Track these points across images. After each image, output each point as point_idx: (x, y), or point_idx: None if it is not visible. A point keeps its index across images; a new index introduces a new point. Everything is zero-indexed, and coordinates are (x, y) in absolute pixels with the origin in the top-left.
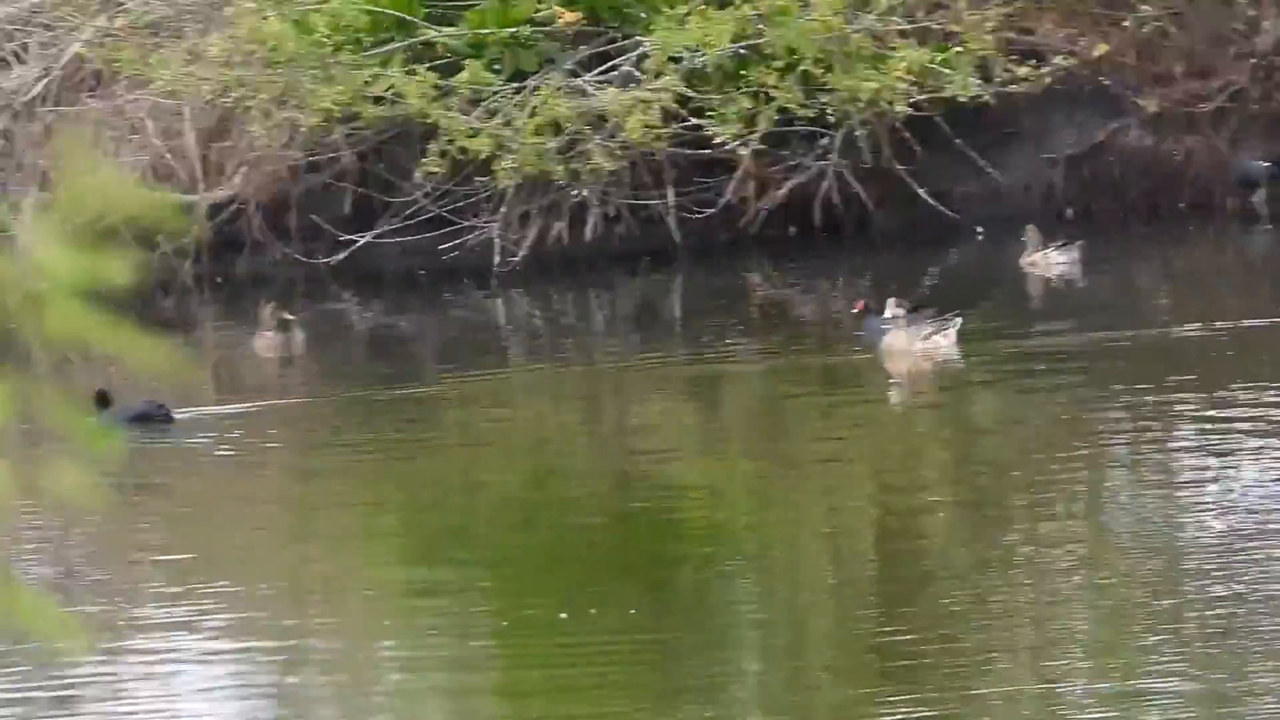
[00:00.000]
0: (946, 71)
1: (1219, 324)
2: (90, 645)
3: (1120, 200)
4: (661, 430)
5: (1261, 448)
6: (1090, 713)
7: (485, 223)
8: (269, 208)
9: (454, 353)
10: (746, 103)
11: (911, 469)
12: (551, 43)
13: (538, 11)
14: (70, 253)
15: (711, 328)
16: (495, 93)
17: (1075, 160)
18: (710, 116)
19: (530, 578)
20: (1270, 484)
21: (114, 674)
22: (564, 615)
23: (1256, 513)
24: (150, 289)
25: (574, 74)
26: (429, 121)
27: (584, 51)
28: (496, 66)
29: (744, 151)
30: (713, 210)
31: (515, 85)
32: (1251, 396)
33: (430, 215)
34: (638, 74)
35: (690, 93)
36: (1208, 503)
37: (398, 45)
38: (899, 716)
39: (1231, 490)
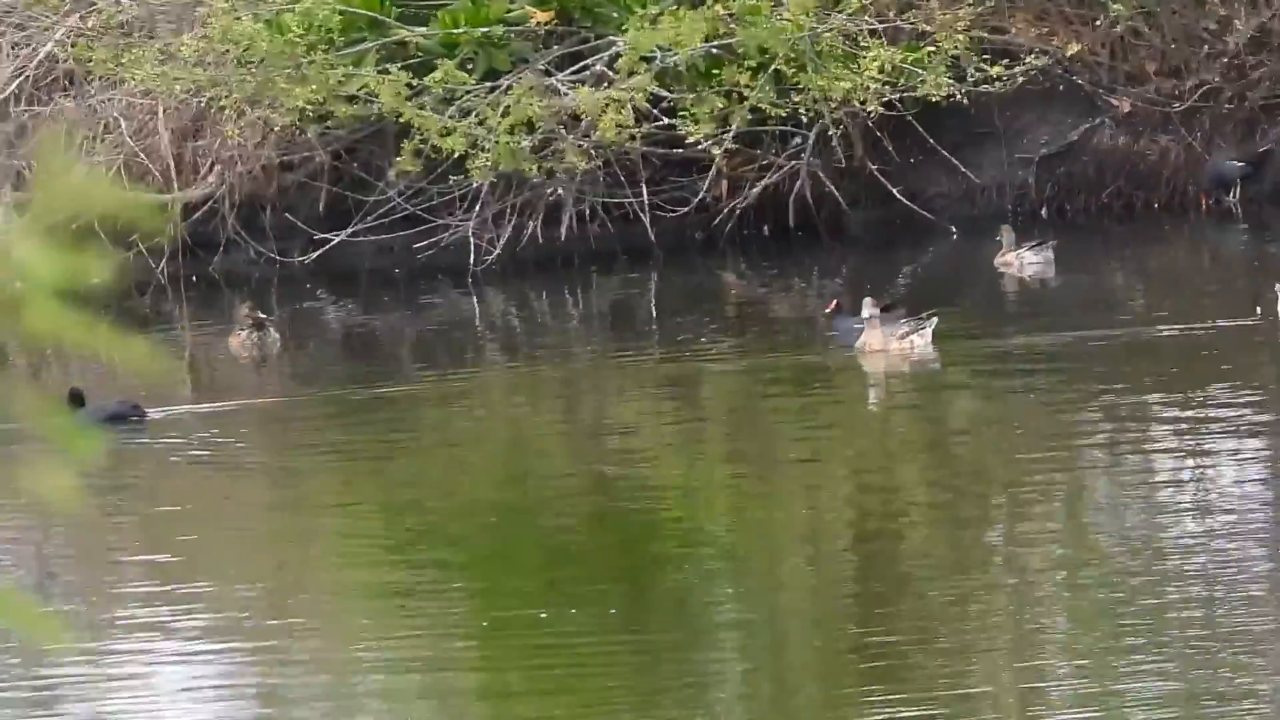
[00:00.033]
0: (919, 71)
1: (1194, 324)
2: (69, 642)
3: (1094, 199)
4: (639, 430)
5: (1238, 448)
6: (1070, 713)
7: (460, 221)
8: (243, 207)
9: (430, 352)
10: (719, 102)
11: (889, 469)
12: (524, 42)
13: (510, 11)
14: (47, 252)
15: (687, 327)
16: (468, 92)
17: (1049, 160)
18: (683, 116)
19: (509, 578)
20: (1248, 484)
21: (94, 675)
22: (544, 615)
23: (1234, 513)
24: (125, 288)
25: (547, 73)
26: (402, 120)
27: (556, 51)
28: (469, 66)
29: (717, 151)
30: (687, 209)
31: (488, 85)
32: (1228, 397)
33: (405, 214)
34: (610, 73)
35: (663, 92)
36: (1186, 503)
37: (370, 45)
38: (880, 717)
39: (1209, 491)
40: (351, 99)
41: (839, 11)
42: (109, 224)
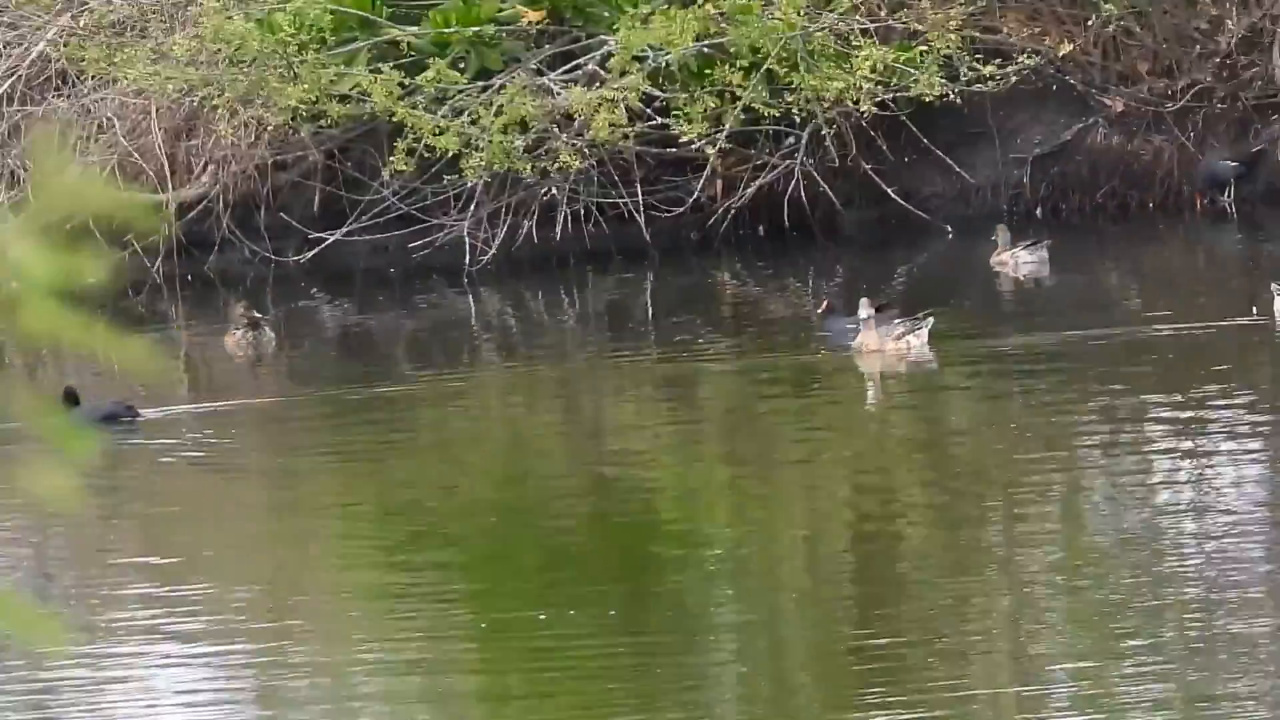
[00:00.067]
0: (912, 71)
1: (1190, 323)
2: (66, 642)
3: (1089, 199)
4: (636, 430)
5: (1236, 448)
6: (1068, 715)
7: (455, 221)
8: (238, 206)
9: (425, 352)
10: (712, 102)
11: (887, 469)
12: (516, 42)
13: (501, 10)
14: (42, 252)
15: (683, 327)
16: (460, 91)
17: (1043, 159)
18: (676, 115)
19: (508, 579)
20: (1245, 485)
21: (91, 677)
22: (542, 616)
23: (1232, 513)
24: (121, 288)
25: (539, 73)
26: (395, 120)
27: (548, 50)
28: (461, 65)
29: (711, 150)
30: (682, 209)
31: (481, 84)
32: (1225, 396)
33: (400, 213)
34: (603, 73)
35: (656, 91)
36: (1183, 504)
37: (362, 44)
38: (879, 718)
39: (1207, 491)
40: (344, 98)
41: (830, 11)
42: (104, 224)
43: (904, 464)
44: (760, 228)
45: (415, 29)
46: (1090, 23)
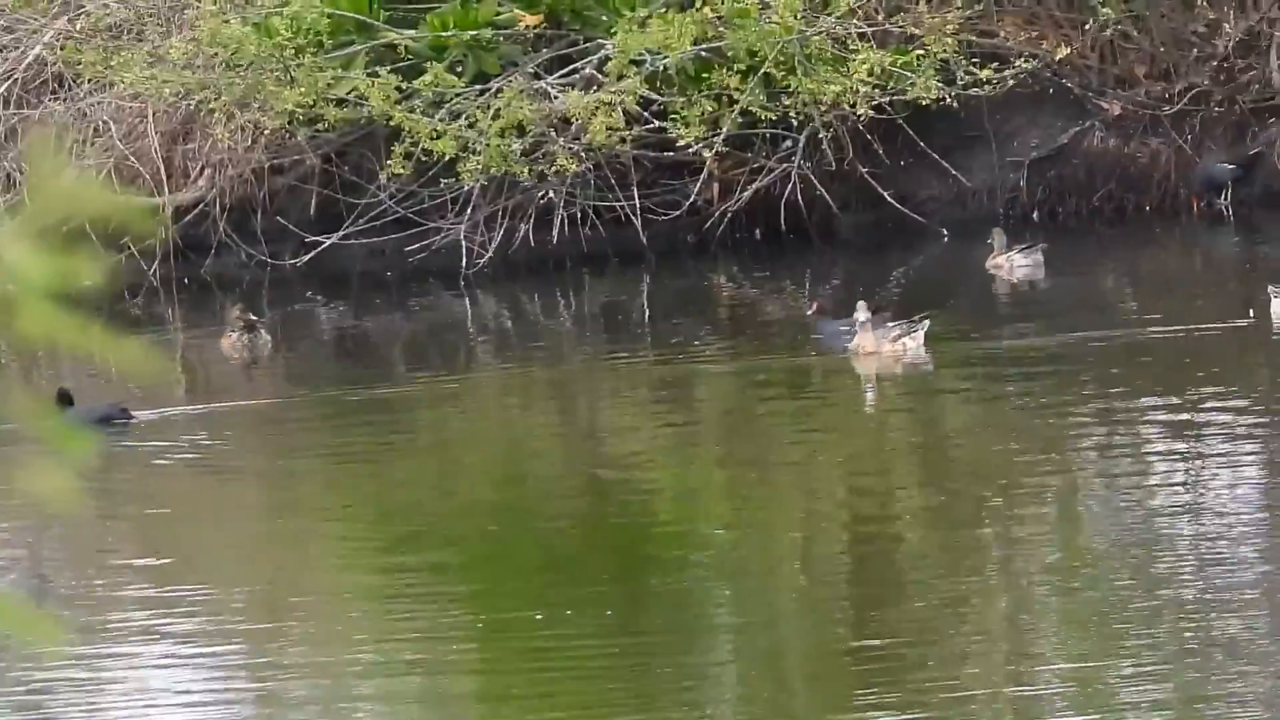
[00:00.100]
0: (909, 74)
1: (1187, 326)
2: (64, 642)
3: (1085, 203)
4: (632, 432)
5: (1232, 451)
6: (1065, 717)
7: (452, 224)
8: (234, 210)
9: (422, 354)
10: (709, 105)
11: (883, 472)
12: (513, 45)
13: (498, 14)
14: (39, 255)
15: (680, 330)
16: (458, 95)
17: (1040, 163)
18: (673, 119)
19: (504, 580)
20: (1241, 487)
21: (87, 679)
22: (539, 617)
23: (1228, 516)
24: (117, 291)
25: (536, 76)
26: (392, 123)
27: (545, 54)
28: (458, 69)
29: (708, 154)
30: (678, 213)
31: (478, 88)
32: (1220, 400)
33: (396, 217)
34: (600, 76)
35: (653, 95)
36: (1179, 506)
37: (359, 48)
38: (876, 719)
39: (1203, 494)
40: (341, 102)
41: (827, 15)
42: (100, 227)
43: (900, 466)
44: (757, 231)
45: (412, 33)
46: (1087, 26)
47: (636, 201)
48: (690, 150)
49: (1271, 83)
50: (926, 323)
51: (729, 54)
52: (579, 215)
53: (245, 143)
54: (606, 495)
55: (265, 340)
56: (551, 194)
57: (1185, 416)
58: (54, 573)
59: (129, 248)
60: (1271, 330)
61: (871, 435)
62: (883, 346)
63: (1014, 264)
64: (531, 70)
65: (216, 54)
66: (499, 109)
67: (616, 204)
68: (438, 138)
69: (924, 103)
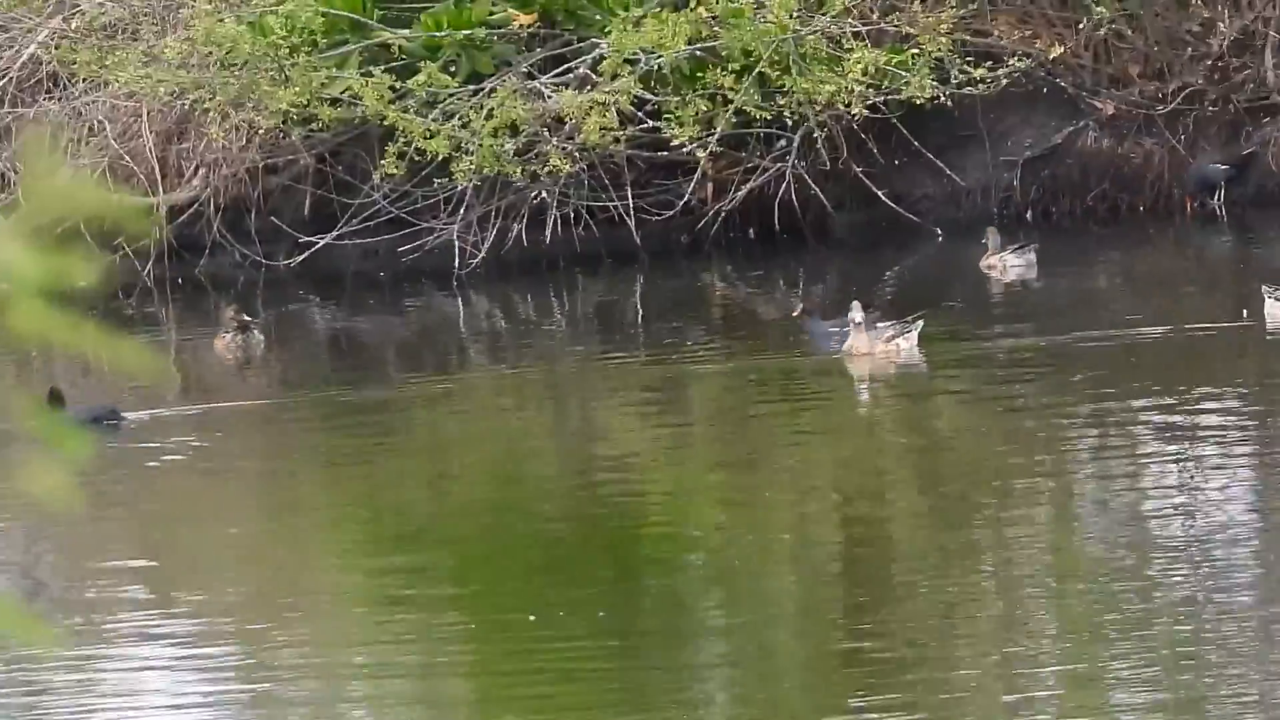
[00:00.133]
0: (903, 73)
1: (1178, 327)
2: (59, 643)
3: (1079, 202)
4: (625, 432)
5: (1225, 452)
6: None
7: (445, 224)
8: (228, 210)
9: (415, 355)
10: (703, 105)
11: (876, 473)
12: (507, 45)
13: (492, 14)
14: (33, 253)
15: (673, 330)
16: (451, 95)
17: (1033, 162)
18: (667, 119)
19: (498, 581)
20: (1235, 489)
21: (80, 682)
22: (533, 618)
23: (1222, 518)
24: (111, 291)
25: (530, 76)
26: (386, 123)
27: (539, 54)
28: (452, 69)
29: (702, 154)
30: (672, 212)
31: (472, 88)
32: (1214, 400)
33: (390, 217)
34: (594, 76)
35: (647, 95)
36: (1173, 508)
37: (353, 47)
38: None
39: (1196, 496)
40: (335, 102)
41: (822, 14)
42: (95, 226)
43: (894, 467)
44: (751, 230)
45: (406, 32)
46: (1081, 25)
47: (630, 201)
48: (684, 150)
49: (1266, 82)
50: (920, 323)
51: (723, 53)
52: (572, 215)
53: (239, 142)
54: (600, 496)
55: (258, 341)
56: (545, 194)
57: (1178, 417)
58: (47, 574)
59: (123, 247)
60: (1265, 331)
61: (865, 436)
62: (876, 347)
63: (1007, 264)
64: (525, 70)
65: (211, 53)
66: (492, 109)
67: (610, 204)
68: (431, 137)
69: (918, 102)
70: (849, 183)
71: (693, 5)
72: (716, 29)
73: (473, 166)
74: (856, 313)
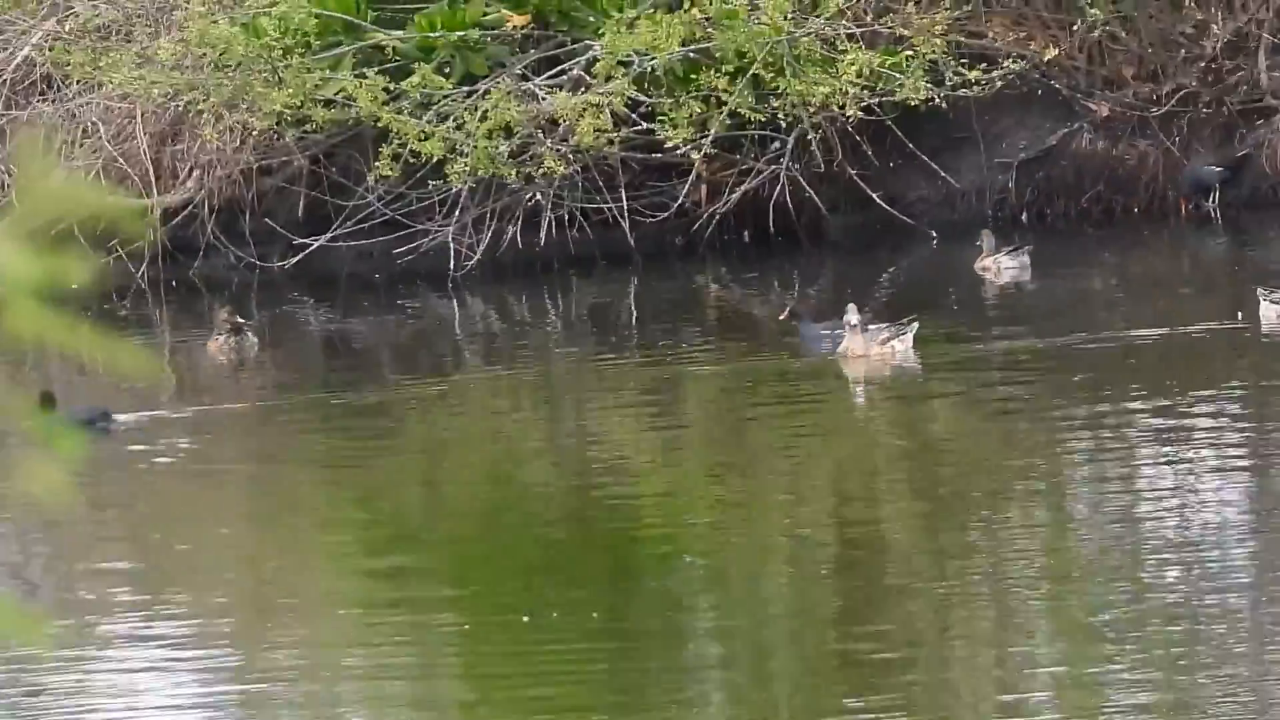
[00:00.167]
0: (897, 75)
1: (1173, 329)
2: (53, 643)
3: (1074, 204)
4: (620, 435)
5: (1220, 454)
6: None
7: (439, 226)
8: (222, 211)
9: (410, 357)
10: (697, 107)
11: (871, 475)
12: (500, 47)
13: (486, 15)
14: (27, 255)
15: (667, 332)
16: (445, 96)
17: (1028, 164)
18: (661, 120)
19: (491, 583)
20: (1229, 491)
21: (74, 684)
22: (526, 619)
23: (1216, 521)
24: (105, 292)
25: (524, 78)
26: (380, 125)
27: (533, 55)
28: (446, 70)
29: (696, 155)
30: (666, 215)
31: (466, 89)
32: (1207, 403)
33: (384, 219)
34: (588, 78)
35: (641, 97)
36: (1167, 511)
37: (346, 49)
38: None
39: (1191, 498)
40: (329, 103)
41: (816, 16)
42: (89, 228)
43: (888, 468)
44: (745, 233)
45: (400, 34)
46: (1075, 27)
47: (624, 203)
48: (678, 152)
49: (1259, 84)
50: (915, 325)
51: (717, 55)
52: (567, 217)
53: (234, 144)
54: (595, 497)
55: (252, 342)
56: (539, 196)
57: (1173, 419)
58: (39, 576)
59: (117, 249)
60: (1260, 332)
61: (859, 438)
62: (871, 349)
63: (1001, 266)
64: (519, 71)
65: (205, 55)
66: (487, 110)
67: (604, 206)
68: (425, 139)
69: (912, 104)
70: (843, 185)
71: (686, 7)
72: (710, 31)
73: (467, 168)
74: (852, 315)
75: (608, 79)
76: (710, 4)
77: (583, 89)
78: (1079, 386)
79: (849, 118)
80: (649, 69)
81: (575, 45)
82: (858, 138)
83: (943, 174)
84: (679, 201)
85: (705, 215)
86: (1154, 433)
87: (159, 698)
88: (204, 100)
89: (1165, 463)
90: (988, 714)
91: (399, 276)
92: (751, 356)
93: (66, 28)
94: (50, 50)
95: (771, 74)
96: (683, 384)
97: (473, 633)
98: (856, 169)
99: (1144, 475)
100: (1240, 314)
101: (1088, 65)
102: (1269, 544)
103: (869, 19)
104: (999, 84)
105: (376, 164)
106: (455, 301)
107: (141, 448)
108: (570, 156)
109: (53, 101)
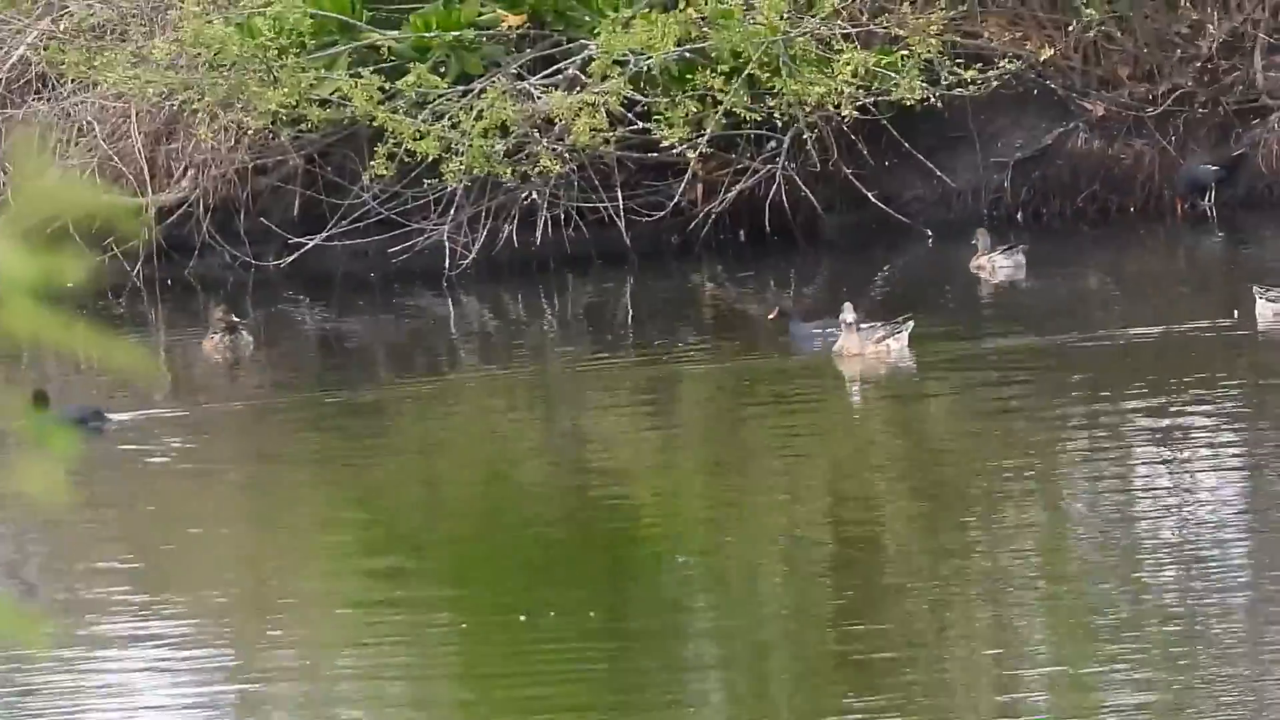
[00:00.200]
0: (893, 75)
1: (1169, 328)
2: (50, 642)
3: (1069, 204)
4: (616, 434)
5: (1216, 453)
6: None
7: (435, 225)
8: (218, 210)
9: (405, 356)
10: (693, 106)
11: (866, 474)
12: (496, 46)
13: (481, 15)
14: (22, 253)
15: (663, 331)
16: (441, 95)
17: (1024, 164)
18: (657, 120)
19: (488, 583)
20: (1225, 490)
21: (69, 684)
22: (523, 619)
23: (1212, 520)
24: (100, 291)
25: (519, 77)
26: (375, 124)
27: (529, 55)
28: (441, 70)
29: (692, 155)
30: (662, 214)
31: (461, 89)
32: (1203, 401)
33: (380, 218)
34: (583, 77)
35: (637, 96)
36: (1163, 510)
37: (342, 48)
38: None
39: (1187, 497)
40: (324, 103)
41: (812, 16)
42: (84, 227)
43: (884, 468)
44: (741, 232)
45: (395, 33)
46: (1071, 27)
47: (620, 202)
48: (674, 151)
49: (1255, 84)
50: (910, 324)
51: (713, 55)
52: (562, 216)
53: (228, 143)
54: (591, 497)
55: (247, 341)
56: (535, 195)
57: (1169, 418)
58: (35, 576)
59: (113, 248)
60: (1255, 331)
61: (855, 437)
62: (867, 348)
63: (996, 265)
64: (514, 71)
65: (200, 54)
66: (482, 110)
67: (600, 205)
68: (421, 138)
69: (908, 103)
70: (839, 184)
71: (682, 6)
72: (706, 30)
73: (462, 167)
74: (848, 314)
75: (603, 78)
76: (706, 4)
77: (578, 88)
78: (1075, 385)
79: (844, 117)
80: (645, 68)
81: (571, 45)
82: (853, 137)
83: (938, 173)
84: (675, 201)
85: (701, 214)
86: (1150, 431)
87: (156, 698)
88: (199, 100)
89: (1161, 461)
90: (986, 714)
91: (394, 276)
92: (747, 355)
93: (61, 27)
94: (45, 49)
95: (767, 74)
96: (679, 383)
97: (470, 632)
98: (852, 168)
99: (1140, 474)
100: (1236, 312)
101: (1083, 65)
102: (1266, 543)
103: (864, 19)
104: (994, 84)
105: (372, 163)
106: (451, 301)
107: (136, 447)
108: (566, 155)
109: (48, 100)
